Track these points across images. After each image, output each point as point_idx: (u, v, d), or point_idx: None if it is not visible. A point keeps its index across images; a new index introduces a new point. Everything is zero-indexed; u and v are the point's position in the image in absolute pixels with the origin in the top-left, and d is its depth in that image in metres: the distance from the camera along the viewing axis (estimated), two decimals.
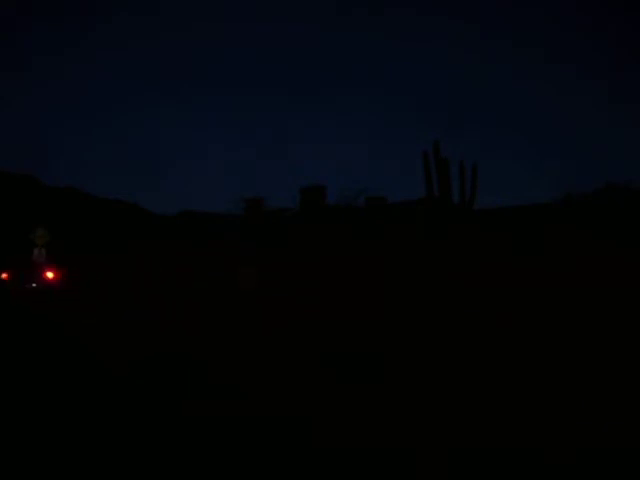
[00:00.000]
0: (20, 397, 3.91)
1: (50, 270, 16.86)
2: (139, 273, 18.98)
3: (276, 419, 3.42)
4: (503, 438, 3.06)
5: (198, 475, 2.60)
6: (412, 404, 3.84)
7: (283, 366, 5.19)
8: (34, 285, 16.29)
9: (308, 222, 23.81)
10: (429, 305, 9.66)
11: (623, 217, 16.71)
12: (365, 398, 4.01)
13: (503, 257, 13.59)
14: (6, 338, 6.47)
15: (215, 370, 5.00)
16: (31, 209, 21.86)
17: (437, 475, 2.51)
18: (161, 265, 20.11)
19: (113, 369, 4.96)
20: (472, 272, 11.66)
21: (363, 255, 17.97)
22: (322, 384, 4.48)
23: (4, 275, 16.30)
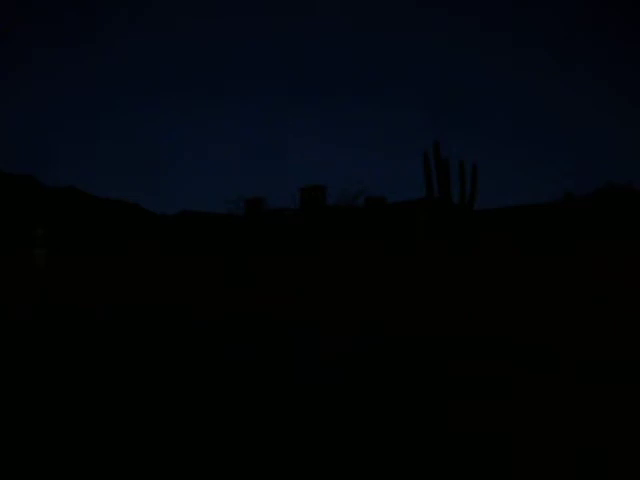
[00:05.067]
0: None
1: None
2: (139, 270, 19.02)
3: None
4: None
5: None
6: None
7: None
8: None
9: (308, 222, 23.83)
10: (429, 305, 9.67)
11: (623, 217, 16.72)
12: None
13: (503, 257, 13.60)
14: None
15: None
16: (31, 209, 21.86)
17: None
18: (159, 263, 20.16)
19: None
20: (472, 271, 11.67)
21: (363, 254, 17.99)
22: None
23: None
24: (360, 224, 22.74)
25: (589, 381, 3.97)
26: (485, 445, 2.63)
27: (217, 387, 3.82)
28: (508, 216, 20.84)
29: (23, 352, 5.23)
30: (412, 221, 21.95)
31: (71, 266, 19.31)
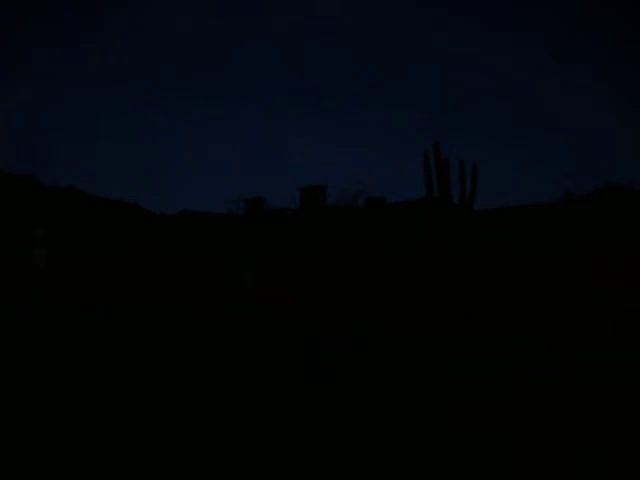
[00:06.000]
0: None
1: None
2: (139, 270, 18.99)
3: None
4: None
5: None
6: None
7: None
8: None
9: (308, 222, 23.83)
10: (429, 305, 9.66)
11: (623, 217, 16.72)
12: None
13: (503, 257, 13.60)
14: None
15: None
16: (31, 209, 21.86)
17: None
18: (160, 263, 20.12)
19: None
20: (472, 271, 11.66)
21: (363, 254, 17.99)
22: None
23: None
24: (360, 224, 22.74)
25: (589, 381, 3.97)
26: (485, 445, 2.63)
27: (217, 387, 3.82)
28: (508, 216, 20.84)
29: (23, 352, 5.23)
30: (412, 221, 21.95)
31: (71, 266, 19.31)
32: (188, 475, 2.29)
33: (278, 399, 3.48)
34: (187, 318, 8.23)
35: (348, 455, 2.50)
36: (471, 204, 12.62)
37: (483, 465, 2.38)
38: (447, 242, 12.41)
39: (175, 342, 5.91)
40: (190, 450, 2.59)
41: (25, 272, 18.02)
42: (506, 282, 11.32)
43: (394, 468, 2.35)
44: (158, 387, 3.83)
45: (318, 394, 3.61)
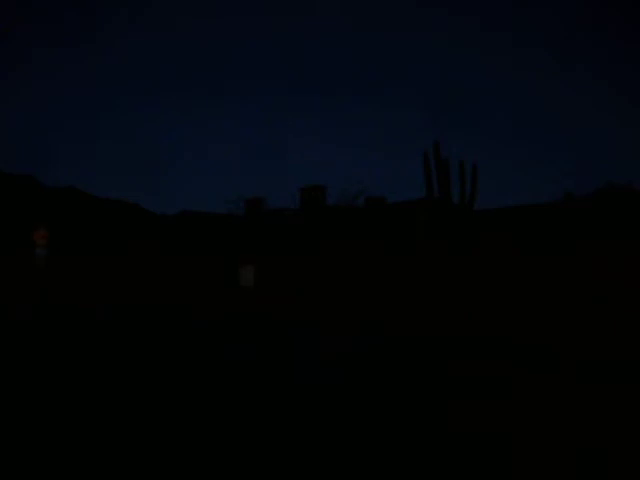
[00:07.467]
0: None
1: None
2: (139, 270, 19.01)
3: None
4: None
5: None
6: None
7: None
8: None
9: (308, 222, 23.83)
10: (428, 305, 9.66)
11: (623, 217, 16.72)
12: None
13: (503, 257, 13.60)
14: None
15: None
16: (31, 209, 21.86)
17: None
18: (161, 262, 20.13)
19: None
20: (472, 271, 11.67)
21: (363, 254, 18.00)
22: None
23: None
24: (360, 224, 22.74)
25: (589, 381, 3.97)
26: (485, 445, 2.63)
27: (217, 387, 3.82)
28: (508, 216, 20.83)
29: (23, 352, 5.23)
30: (412, 221, 21.95)
31: (71, 266, 19.31)
32: (188, 475, 2.29)
33: (278, 399, 3.48)
34: (187, 318, 8.23)
35: (348, 455, 2.50)
36: (471, 204, 12.63)
37: (483, 465, 2.38)
38: (447, 242, 12.41)
39: (175, 342, 5.91)
40: (190, 450, 2.59)
41: (25, 272, 18.02)
42: (506, 282, 11.32)
43: (394, 468, 2.35)
44: (158, 387, 3.83)
45: (318, 394, 3.61)
